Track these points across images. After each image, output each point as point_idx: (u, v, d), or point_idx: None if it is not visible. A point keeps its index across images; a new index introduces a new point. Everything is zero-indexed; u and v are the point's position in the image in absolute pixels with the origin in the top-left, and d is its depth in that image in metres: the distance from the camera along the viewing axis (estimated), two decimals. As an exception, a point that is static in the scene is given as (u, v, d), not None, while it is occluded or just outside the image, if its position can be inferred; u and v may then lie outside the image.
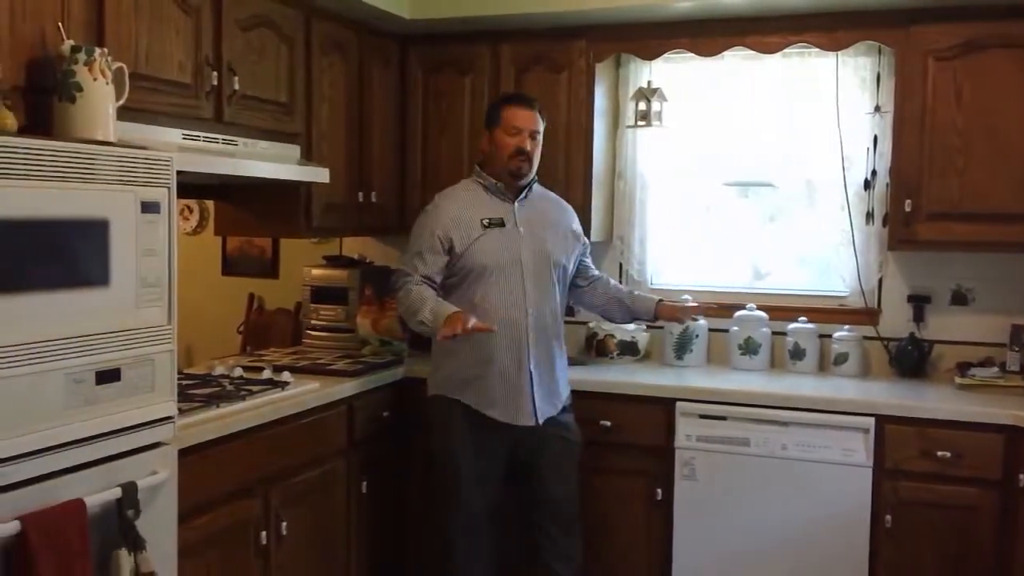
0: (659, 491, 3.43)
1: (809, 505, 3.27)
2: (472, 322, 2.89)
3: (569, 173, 3.83)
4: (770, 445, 3.31)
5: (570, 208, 3.45)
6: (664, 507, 3.44)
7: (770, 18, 3.59)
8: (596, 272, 3.49)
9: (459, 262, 3.14)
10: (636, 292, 3.54)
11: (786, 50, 3.65)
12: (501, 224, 3.17)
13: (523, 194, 3.24)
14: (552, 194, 3.43)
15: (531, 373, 3.13)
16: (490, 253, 3.13)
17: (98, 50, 2.34)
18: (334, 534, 3.32)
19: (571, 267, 3.32)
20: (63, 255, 2.13)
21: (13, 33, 2.29)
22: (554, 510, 3.22)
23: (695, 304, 3.48)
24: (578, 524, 3.27)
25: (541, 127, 3.23)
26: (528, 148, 3.17)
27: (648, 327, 3.92)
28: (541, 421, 3.16)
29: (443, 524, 3.24)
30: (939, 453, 3.13)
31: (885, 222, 3.69)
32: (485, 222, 3.16)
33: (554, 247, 3.24)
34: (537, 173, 3.30)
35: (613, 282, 3.53)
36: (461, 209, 3.18)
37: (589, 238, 3.60)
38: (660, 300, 3.41)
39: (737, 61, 3.86)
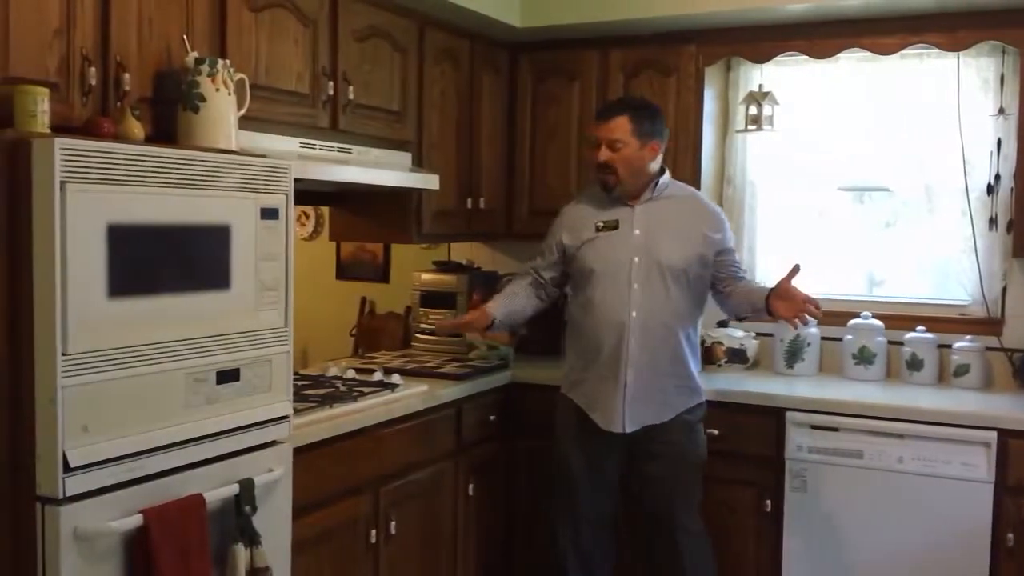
0: (768, 502, 3.36)
1: (926, 521, 3.16)
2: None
3: (677, 178, 3.77)
4: (885, 458, 3.21)
5: (710, 210, 3.24)
6: (773, 519, 3.37)
7: (888, 18, 3.49)
8: (741, 275, 3.21)
9: (573, 264, 3.22)
10: (757, 284, 3.29)
11: (904, 51, 3.54)
12: (615, 227, 3.16)
13: (648, 196, 3.17)
14: (692, 195, 3.31)
15: (627, 378, 3.08)
16: (598, 256, 3.15)
17: (221, 62, 2.44)
18: (441, 535, 3.37)
19: (696, 271, 3.12)
20: (187, 259, 2.22)
21: (141, 47, 2.40)
22: (658, 523, 3.16)
23: (807, 301, 2.91)
24: (687, 538, 3.15)
25: (619, 133, 3.09)
26: (603, 159, 3.11)
27: (757, 334, 3.86)
28: (629, 429, 3.08)
29: (552, 519, 3.28)
30: (1068, 471, 2.99)
31: (1009, 228, 3.53)
32: (599, 225, 3.18)
33: (669, 250, 3.10)
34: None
35: (749, 282, 3.24)
36: (580, 212, 3.26)
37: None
38: (772, 290, 2.99)
39: (852, 63, 3.77)
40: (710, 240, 3.16)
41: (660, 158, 3.20)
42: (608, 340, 3.10)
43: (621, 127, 3.11)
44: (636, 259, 3.11)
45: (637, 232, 3.14)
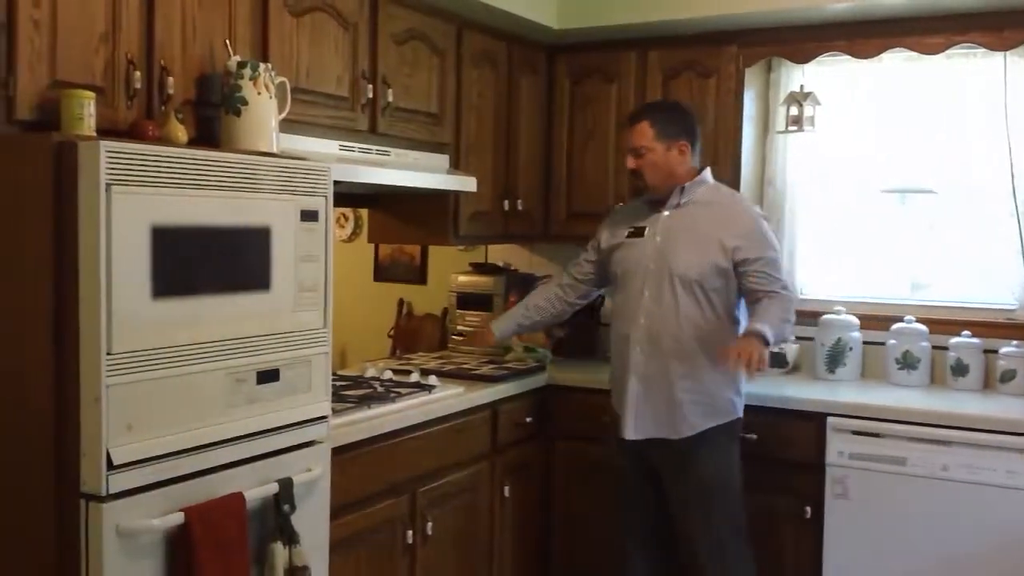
0: (808, 509, 3.32)
1: (971, 530, 3.11)
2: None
3: (717, 180, 3.75)
4: (929, 465, 3.16)
5: (736, 216, 3.08)
6: (814, 526, 3.32)
7: (932, 17, 3.44)
8: (766, 289, 2.95)
9: (608, 267, 3.25)
10: (771, 307, 2.93)
11: (950, 51, 3.48)
12: (641, 234, 3.14)
13: (675, 201, 3.11)
14: (725, 199, 3.15)
15: (631, 385, 3.06)
16: (620, 262, 3.17)
17: (262, 65, 2.46)
18: (478, 536, 3.37)
19: (714, 282, 2.99)
20: (228, 261, 2.24)
21: (185, 51, 2.43)
22: (681, 543, 3.11)
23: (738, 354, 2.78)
24: (711, 562, 3.04)
25: (643, 139, 3.06)
26: (632, 166, 3.11)
27: (797, 339, 3.81)
28: (631, 436, 3.06)
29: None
30: (1118, 479, 2.93)
31: (1058, 231, 3.48)
32: (630, 230, 3.17)
33: (682, 259, 3.00)
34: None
35: (765, 304, 2.94)
36: (623, 215, 3.30)
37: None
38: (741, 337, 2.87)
39: (896, 63, 3.72)
40: (727, 249, 2.99)
41: (693, 158, 3.13)
42: (620, 345, 3.12)
43: (643, 133, 3.09)
44: (650, 266, 3.07)
45: (658, 239, 3.09)
